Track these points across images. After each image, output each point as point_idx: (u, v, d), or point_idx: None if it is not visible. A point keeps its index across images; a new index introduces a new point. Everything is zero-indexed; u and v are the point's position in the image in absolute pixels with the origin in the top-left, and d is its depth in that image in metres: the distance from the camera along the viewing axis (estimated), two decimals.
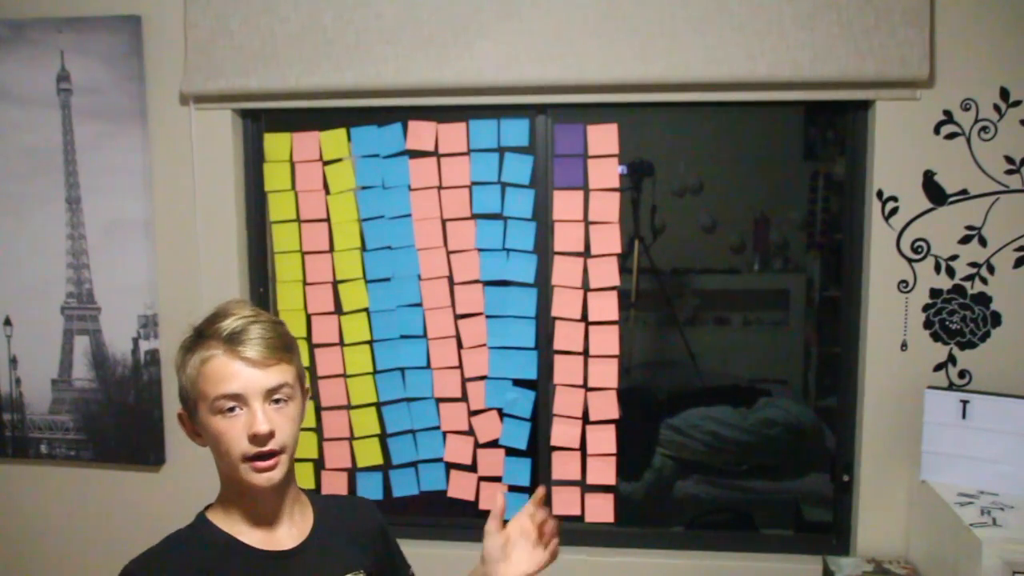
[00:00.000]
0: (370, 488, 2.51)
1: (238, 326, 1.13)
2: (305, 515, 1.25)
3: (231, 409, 1.11)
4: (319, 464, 2.54)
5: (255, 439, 1.11)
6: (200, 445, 1.18)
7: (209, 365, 1.12)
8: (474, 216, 2.39)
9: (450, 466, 2.49)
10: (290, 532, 1.21)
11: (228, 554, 1.15)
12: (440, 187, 2.40)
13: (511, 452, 2.45)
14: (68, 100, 2.43)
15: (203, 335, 1.14)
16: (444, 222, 2.40)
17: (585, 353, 2.39)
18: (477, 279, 2.41)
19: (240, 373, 1.11)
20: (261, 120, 2.47)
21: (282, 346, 1.16)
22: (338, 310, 2.47)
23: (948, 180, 2.16)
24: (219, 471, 1.18)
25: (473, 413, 2.45)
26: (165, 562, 1.14)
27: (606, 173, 2.33)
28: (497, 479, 2.47)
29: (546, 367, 2.41)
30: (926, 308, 2.20)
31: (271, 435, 1.11)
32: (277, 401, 1.14)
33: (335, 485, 2.51)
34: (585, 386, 2.39)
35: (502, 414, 2.45)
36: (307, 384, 1.24)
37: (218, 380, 1.11)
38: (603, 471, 2.41)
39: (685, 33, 2.17)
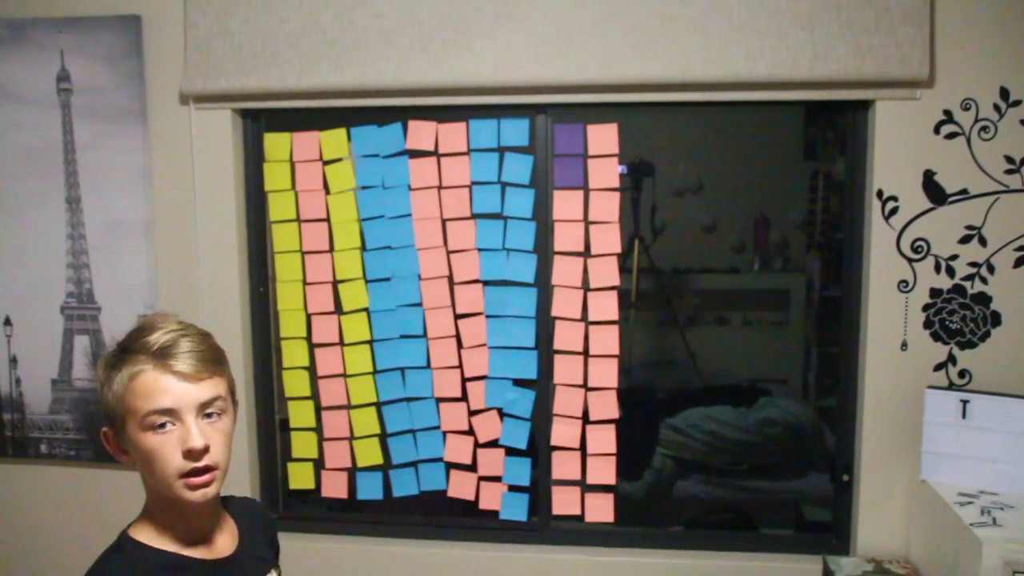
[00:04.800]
0: (370, 488, 2.51)
1: (168, 340, 1.08)
2: (227, 521, 1.23)
3: (162, 425, 1.07)
4: (319, 464, 2.54)
5: (190, 454, 1.07)
6: (126, 463, 1.13)
7: (138, 380, 1.07)
8: (474, 216, 2.39)
9: (450, 466, 2.49)
10: (223, 540, 1.19)
11: (178, 570, 1.12)
12: (440, 187, 2.40)
13: (511, 452, 2.45)
14: (68, 100, 2.43)
15: (129, 350, 1.09)
16: (444, 222, 2.40)
17: (585, 353, 2.39)
18: (477, 279, 2.41)
19: (172, 388, 1.07)
20: (261, 120, 2.47)
21: (214, 359, 1.12)
22: (338, 310, 2.47)
23: (948, 180, 2.16)
24: (147, 488, 1.14)
25: (473, 413, 2.45)
26: None
27: (606, 173, 2.33)
28: (497, 479, 2.47)
29: (546, 367, 2.41)
30: (926, 308, 2.20)
31: (206, 450, 1.08)
32: (210, 415, 1.10)
33: (335, 485, 2.52)
34: (585, 386, 2.39)
35: (502, 414, 2.45)
36: (237, 397, 1.20)
37: (148, 395, 1.06)
38: (603, 471, 2.41)
39: (685, 33, 2.17)
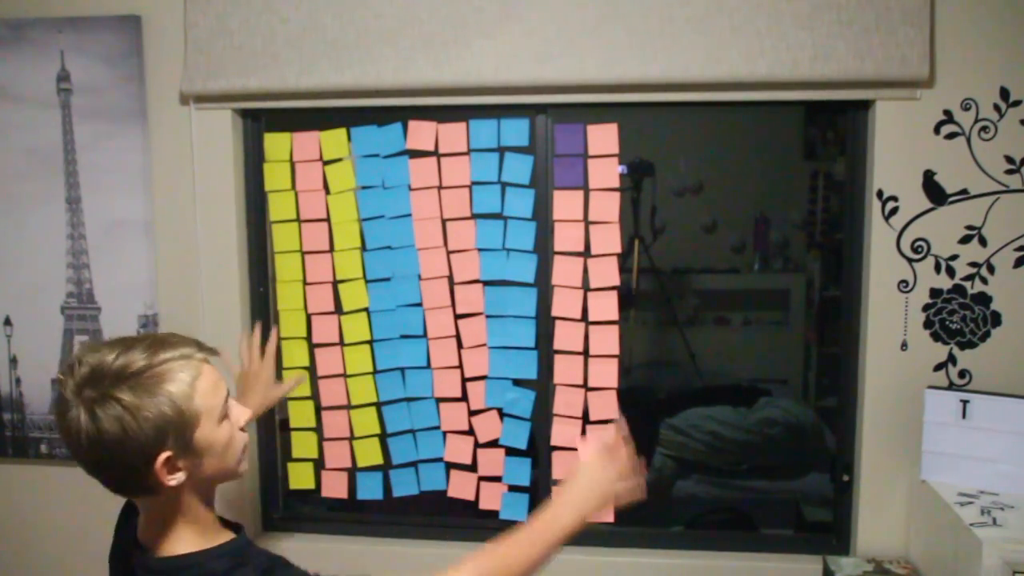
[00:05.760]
0: (370, 488, 2.51)
1: (185, 340, 1.13)
2: None
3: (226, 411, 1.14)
4: (319, 464, 2.54)
5: (244, 428, 1.17)
6: (172, 486, 1.08)
7: (203, 379, 1.10)
8: (474, 216, 2.39)
9: (450, 466, 2.49)
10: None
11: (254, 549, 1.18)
12: (440, 187, 2.40)
13: (511, 452, 2.45)
14: (68, 100, 2.43)
15: (158, 365, 1.05)
16: (444, 222, 2.40)
17: (585, 353, 2.39)
18: (477, 279, 2.41)
19: (221, 374, 1.15)
20: (261, 120, 2.47)
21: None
22: (338, 310, 2.47)
23: (948, 180, 2.16)
24: (185, 496, 1.11)
25: (473, 413, 2.45)
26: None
27: (606, 173, 2.33)
28: (497, 479, 2.47)
29: (546, 367, 2.41)
30: (926, 308, 2.20)
31: None
32: None
33: (335, 485, 2.51)
34: (585, 386, 2.39)
35: (502, 414, 2.45)
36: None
37: (216, 387, 1.12)
38: None
39: (685, 33, 2.17)
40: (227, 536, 1.16)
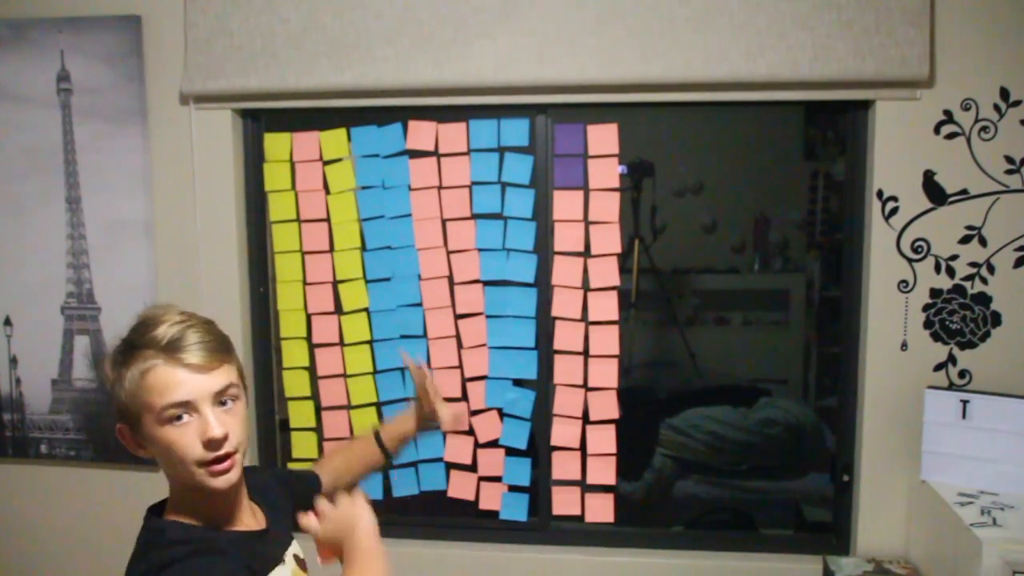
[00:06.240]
0: (370, 488, 2.50)
1: (175, 333, 1.09)
2: (247, 496, 1.24)
3: (179, 417, 1.08)
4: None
5: (210, 444, 1.08)
6: (145, 456, 1.14)
7: (151, 376, 1.08)
8: (474, 216, 2.39)
9: (450, 466, 2.49)
10: (248, 517, 1.21)
11: (240, 542, 1.15)
12: (440, 187, 2.40)
13: (511, 452, 2.45)
14: (68, 100, 2.43)
15: (137, 345, 1.10)
16: (444, 222, 2.40)
17: (585, 353, 2.39)
18: (477, 279, 2.41)
19: (186, 381, 1.08)
20: (261, 120, 2.47)
21: (222, 347, 1.13)
22: (338, 310, 2.47)
23: (948, 180, 2.16)
24: (171, 479, 1.14)
25: (473, 413, 2.45)
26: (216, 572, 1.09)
27: (606, 173, 2.33)
28: (497, 479, 2.47)
29: (546, 367, 2.41)
30: (926, 308, 2.20)
31: (225, 438, 1.09)
32: (224, 403, 1.12)
33: None
34: (585, 386, 2.39)
35: (502, 414, 2.45)
36: (246, 380, 1.22)
37: (163, 390, 1.07)
38: (603, 471, 2.41)
39: (685, 33, 2.17)
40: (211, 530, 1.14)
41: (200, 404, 1.09)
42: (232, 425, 1.11)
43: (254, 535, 1.19)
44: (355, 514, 1.18)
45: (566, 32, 2.21)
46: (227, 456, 1.10)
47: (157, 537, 1.12)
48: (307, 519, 1.18)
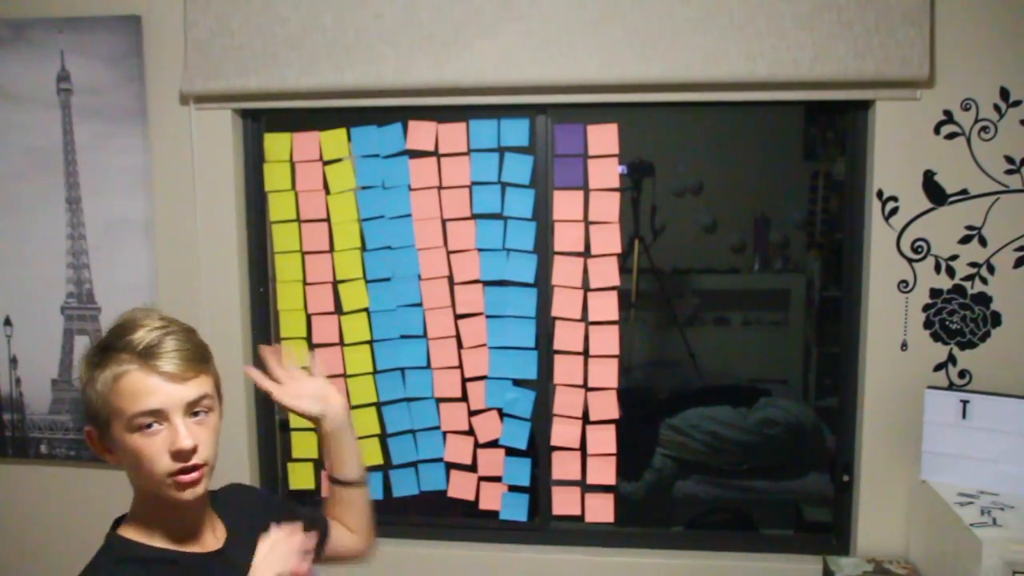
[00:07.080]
0: (370, 488, 2.51)
1: (152, 338, 1.07)
2: (212, 513, 1.22)
3: (149, 426, 1.06)
4: (319, 464, 2.53)
5: (179, 455, 1.06)
6: (112, 463, 1.11)
7: (123, 381, 1.05)
8: (474, 216, 2.39)
9: (450, 466, 2.49)
10: (210, 535, 1.19)
11: (171, 565, 1.12)
12: (440, 187, 2.40)
13: (511, 452, 2.45)
14: (68, 100, 2.43)
15: (112, 348, 1.07)
16: (444, 222, 2.40)
17: (585, 353, 2.39)
18: (477, 279, 2.41)
19: (158, 389, 1.05)
20: (261, 120, 2.47)
21: (199, 357, 1.11)
22: (338, 310, 2.47)
23: (948, 180, 2.16)
24: (135, 488, 1.13)
25: (473, 413, 2.45)
26: None
27: (606, 173, 2.33)
28: (497, 479, 2.47)
29: (546, 367, 2.41)
30: (926, 308, 2.20)
31: (194, 450, 1.07)
32: (197, 414, 1.09)
33: None
34: (585, 386, 2.39)
35: (502, 414, 2.45)
36: (223, 392, 1.18)
37: (134, 397, 1.05)
38: (603, 471, 2.41)
39: (685, 33, 2.17)
40: (163, 546, 1.13)
41: (171, 413, 1.06)
42: (203, 437, 1.09)
43: (207, 556, 1.16)
44: (325, 386, 1.27)
45: (566, 32, 2.20)
46: (195, 468, 1.08)
47: (105, 554, 1.13)
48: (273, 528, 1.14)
